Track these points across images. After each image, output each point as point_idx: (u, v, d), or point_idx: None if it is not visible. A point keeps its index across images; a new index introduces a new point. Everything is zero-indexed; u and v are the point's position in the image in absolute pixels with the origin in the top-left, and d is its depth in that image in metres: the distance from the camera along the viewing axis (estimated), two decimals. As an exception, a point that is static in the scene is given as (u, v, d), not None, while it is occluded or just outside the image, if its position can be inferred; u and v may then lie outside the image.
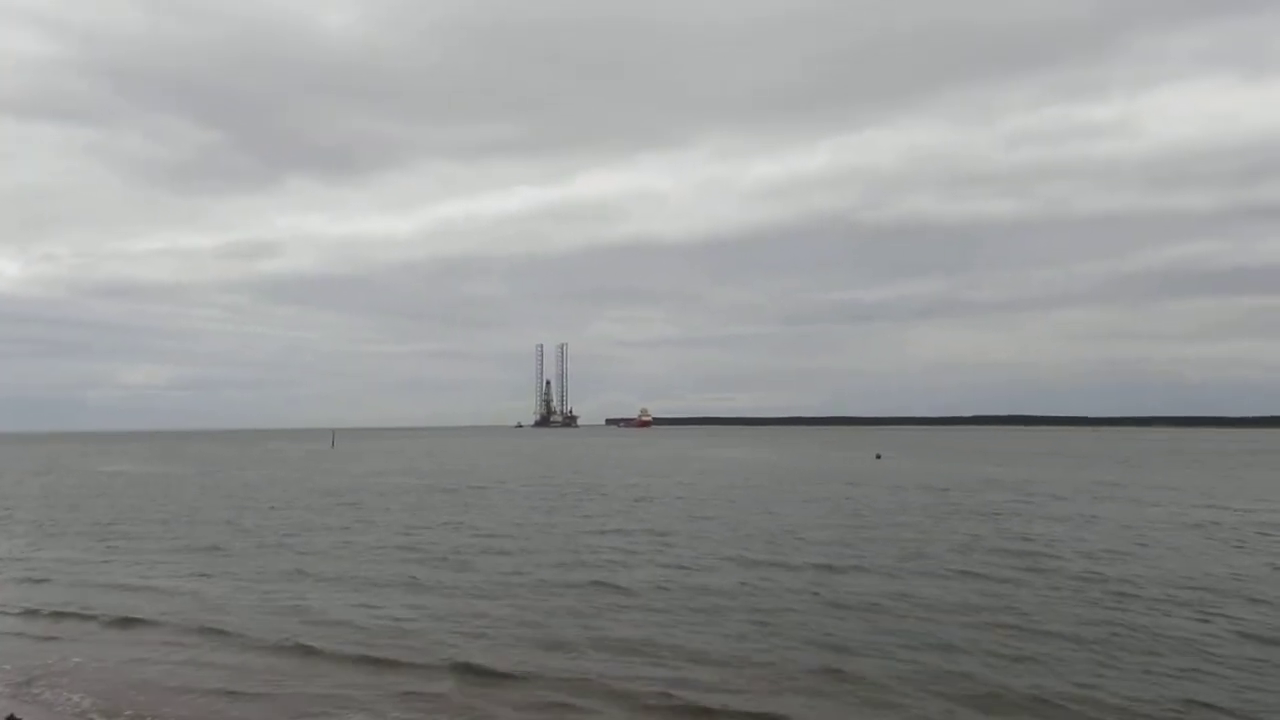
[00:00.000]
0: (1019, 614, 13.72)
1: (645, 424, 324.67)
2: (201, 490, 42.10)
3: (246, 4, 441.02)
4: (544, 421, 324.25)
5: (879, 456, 72.40)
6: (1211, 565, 18.08)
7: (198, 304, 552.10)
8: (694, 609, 14.32)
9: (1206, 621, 13.21)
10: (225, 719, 9.81)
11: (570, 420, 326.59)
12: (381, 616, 14.08)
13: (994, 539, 21.93)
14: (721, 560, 19.02)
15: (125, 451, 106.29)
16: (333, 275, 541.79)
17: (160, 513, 31.13)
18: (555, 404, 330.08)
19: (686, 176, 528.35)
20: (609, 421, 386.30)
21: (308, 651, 12.13)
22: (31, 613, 14.97)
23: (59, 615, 14.74)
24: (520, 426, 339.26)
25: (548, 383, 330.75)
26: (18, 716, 9.87)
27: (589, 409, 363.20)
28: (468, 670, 11.13)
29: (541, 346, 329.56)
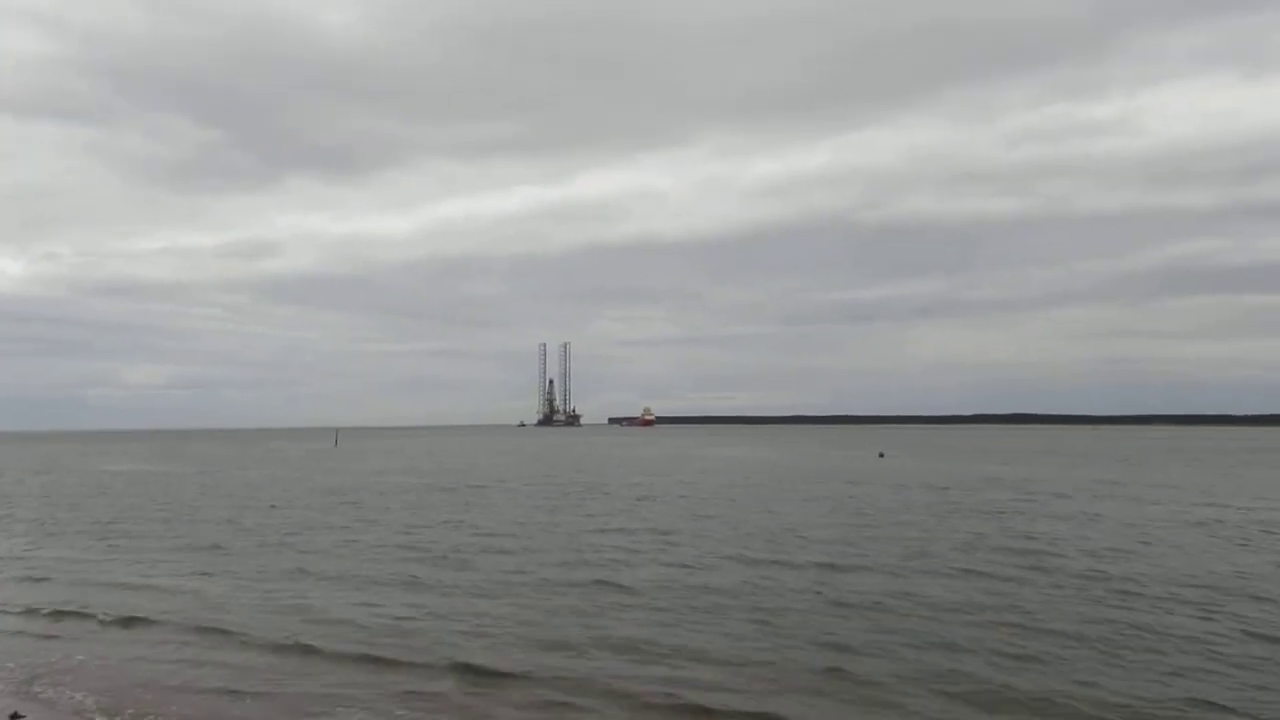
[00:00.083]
0: (1022, 613, 13.68)
1: (648, 423, 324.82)
2: (202, 489, 42.10)
3: (246, 3, 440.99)
4: (547, 420, 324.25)
5: (882, 455, 72.38)
6: (1214, 563, 18.02)
7: (198, 303, 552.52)
8: (696, 608, 14.29)
9: (1210, 620, 13.17)
10: (227, 718, 9.78)
11: (573, 419, 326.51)
12: (382, 615, 14.05)
13: (996, 537, 21.89)
14: (723, 559, 18.99)
15: (126, 451, 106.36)
16: (333, 274, 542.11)
17: (161, 512, 31.13)
18: (558, 403, 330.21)
19: (687, 176, 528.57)
20: (612, 420, 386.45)
21: (309, 650, 12.10)
22: (33, 611, 14.95)
23: (60, 614, 14.73)
24: (523, 425, 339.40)
25: (551, 382, 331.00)
26: (21, 714, 9.87)
27: (591, 408, 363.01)
28: (468, 670, 11.09)
29: (544, 345, 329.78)
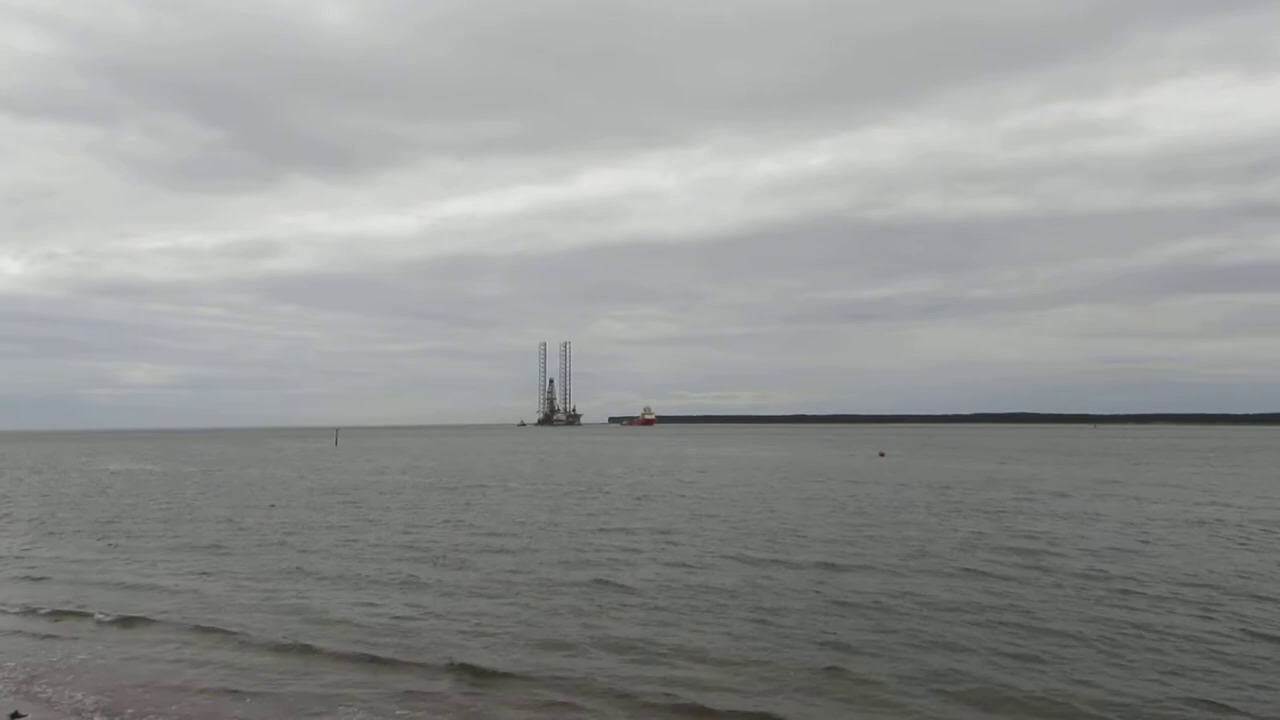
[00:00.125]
0: (1022, 612, 13.65)
1: (649, 422, 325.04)
2: (202, 489, 42.09)
3: (245, 1, 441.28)
4: (547, 420, 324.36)
5: (882, 454, 72.36)
6: (1216, 562, 18.00)
7: (198, 303, 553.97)
8: (696, 607, 14.27)
9: (1211, 619, 13.15)
10: (226, 717, 9.77)
11: (574, 419, 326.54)
12: (382, 615, 14.04)
13: (997, 537, 21.86)
14: (723, 558, 18.97)
15: (126, 450, 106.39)
16: (334, 274, 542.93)
17: (161, 511, 31.12)
18: (559, 402, 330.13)
19: (688, 175, 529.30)
20: (612, 420, 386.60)
21: (308, 650, 12.09)
22: (32, 611, 14.96)
23: (60, 613, 14.74)
24: (524, 425, 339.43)
25: (551, 381, 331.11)
26: (21, 714, 9.86)
27: (592, 407, 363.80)
28: (468, 670, 11.08)
29: (545, 345, 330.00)
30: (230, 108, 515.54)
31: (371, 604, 14.88)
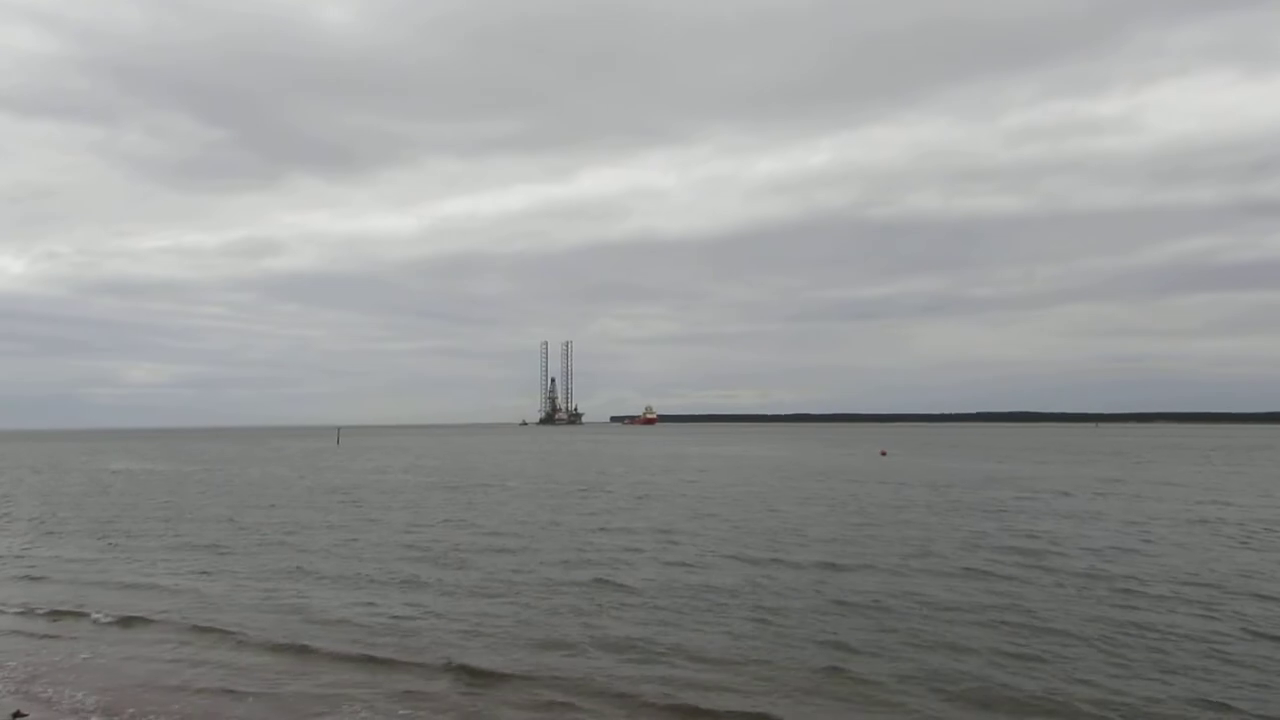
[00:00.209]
0: (1024, 612, 13.62)
1: (650, 421, 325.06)
2: (203, 488, 42.09)
3: (246, 1, 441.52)
4: (549, 419, 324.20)
5: (883, 453, 72.32)
6: (1218, 562, 17.96)
7: (200, 302, 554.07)
8: (696, 607, 14.25)
9: (1213, 619, 13.11)
10: (226, 717, 9.75)
11: (575, 418, 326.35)
12: (382, 615, 14.01)
13: (998, 536, 21.83)
14: (724, 558, 18.94)
15: (127, 449, 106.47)
16: (336, 273, 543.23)
17: (161, 510, 31.11)
18: (560, 401, 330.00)
19: (689, 173, 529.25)
20: (613, 419, 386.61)
21: (308, 650, 12.07)
22: (32, 610, 14.95)
23: (60, 613, 14.73)
24: (525, 424, 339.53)
25: (552, 380, 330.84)
26: (23, 713, 9.85)
27: (593, 406, 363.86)
28: (467, 670, 11.06)
29: (546, 344, 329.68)
30: (231, 107, 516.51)
31: (371, 604, 14.86)
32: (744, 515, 27.12)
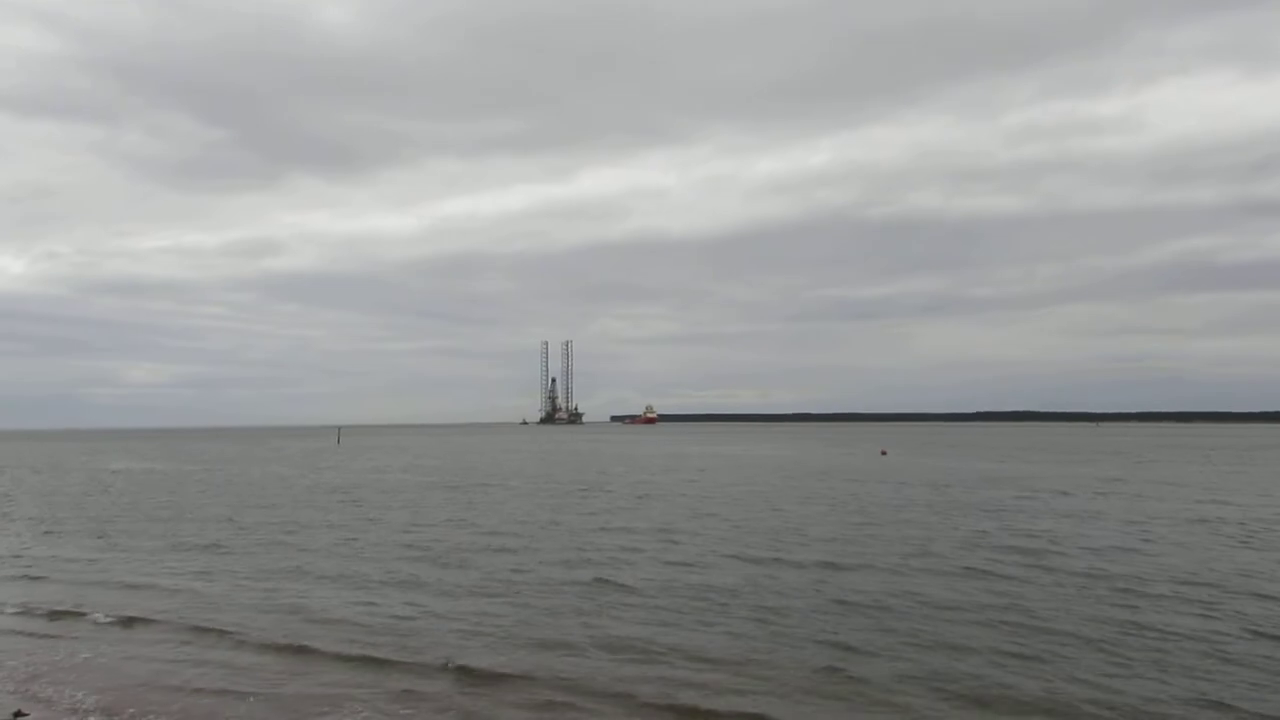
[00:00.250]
0: (1024, 611, 13.62)
1: (650, 421, 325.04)
2: (203, 488, 42.11)
3: (247, 1, 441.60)
4: (549, 419, 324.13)
5: (884, 453, 72.32)
6: (1218, 561, 17.96)
7: (201, 302, 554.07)
8: (697, 607, 14.24)
9: (1213, 618, 13.11)
10: (226, 717, 9.75)
11: (575, 417, 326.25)
12: (382, 615, 14.02)
13: (999, 535, 21.83)
14: (724, 557, 18.94)
15: (127, 449, 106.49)
16: (335, 273, 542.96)
17: (162, 510, 31.12)
18: (560, 401, 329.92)
19: (690, 173, 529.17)
20: (614, 419, 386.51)
21: (308, 650, 12.07)
22: (33, 610, 14.94)
23: (60, 613, 14.72)
24: (525, 423, 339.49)
25: (553, 380, 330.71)
26: (24, 712, 9.85)
27: (593, 406, 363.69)
28: (467, 670, 11.06)
29: (546, 343, 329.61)
30: (232, 107, 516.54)
31: (371, 603, 14.86)
32: (744, 515, 27.12)
